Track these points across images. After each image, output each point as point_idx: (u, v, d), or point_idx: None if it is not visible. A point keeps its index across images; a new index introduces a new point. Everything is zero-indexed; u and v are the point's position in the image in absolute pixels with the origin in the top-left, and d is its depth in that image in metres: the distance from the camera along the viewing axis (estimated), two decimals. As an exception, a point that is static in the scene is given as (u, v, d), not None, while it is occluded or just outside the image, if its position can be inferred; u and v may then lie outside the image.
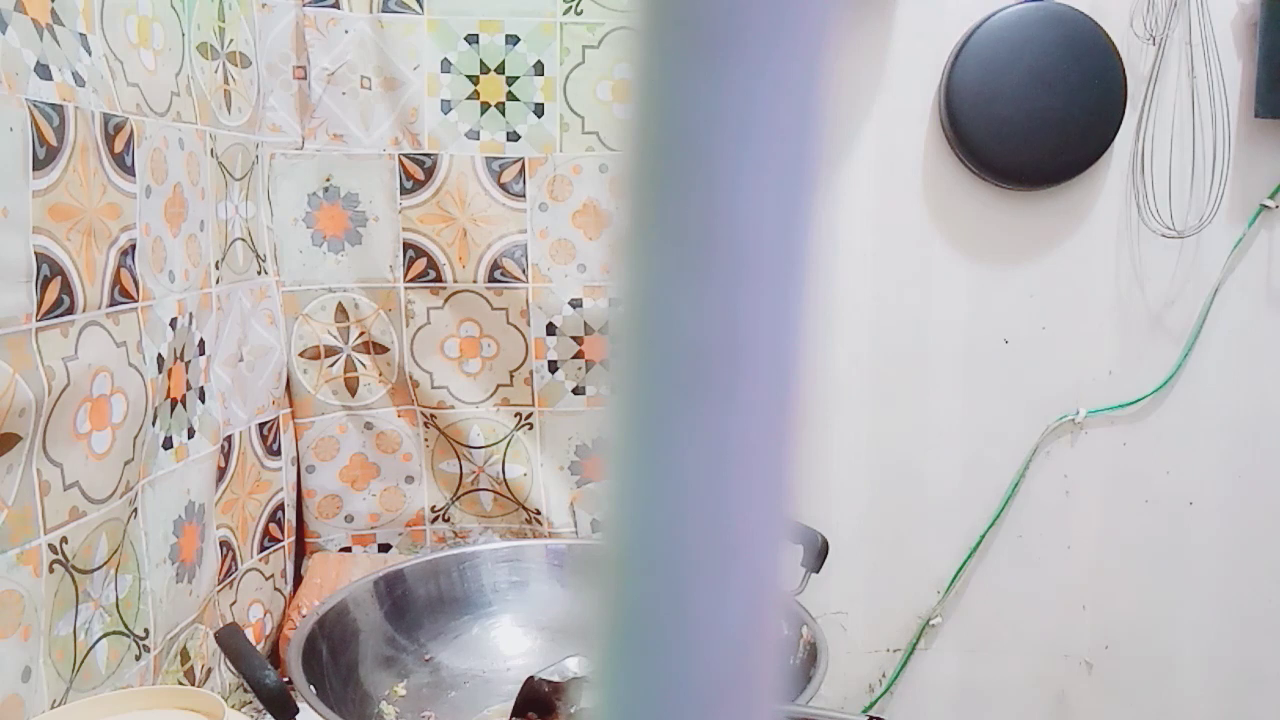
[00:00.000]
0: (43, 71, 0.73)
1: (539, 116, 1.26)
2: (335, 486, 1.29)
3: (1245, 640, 1.46)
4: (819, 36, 0.10)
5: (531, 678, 0.87)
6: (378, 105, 1.23)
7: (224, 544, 1.07)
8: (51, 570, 0.74)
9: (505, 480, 1.30)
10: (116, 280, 0.82)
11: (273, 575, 1.20)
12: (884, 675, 1.49)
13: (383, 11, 1.21)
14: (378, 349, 1.28)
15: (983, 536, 1.45)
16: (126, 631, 0.85)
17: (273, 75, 1.20)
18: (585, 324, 1.30)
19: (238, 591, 1.11)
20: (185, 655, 0.96)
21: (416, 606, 1.05)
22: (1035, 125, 1.33)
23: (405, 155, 1.24)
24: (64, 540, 0.75)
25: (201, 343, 1.00)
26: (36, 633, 0.73)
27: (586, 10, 1.25)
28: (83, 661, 0.78)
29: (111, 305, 0.81)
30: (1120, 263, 1.41)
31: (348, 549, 1.30)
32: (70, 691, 0.77)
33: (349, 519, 1.30)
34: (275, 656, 1.16)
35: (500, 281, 1.27)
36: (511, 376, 1.30)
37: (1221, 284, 1.40)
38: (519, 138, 1.26)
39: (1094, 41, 1.32)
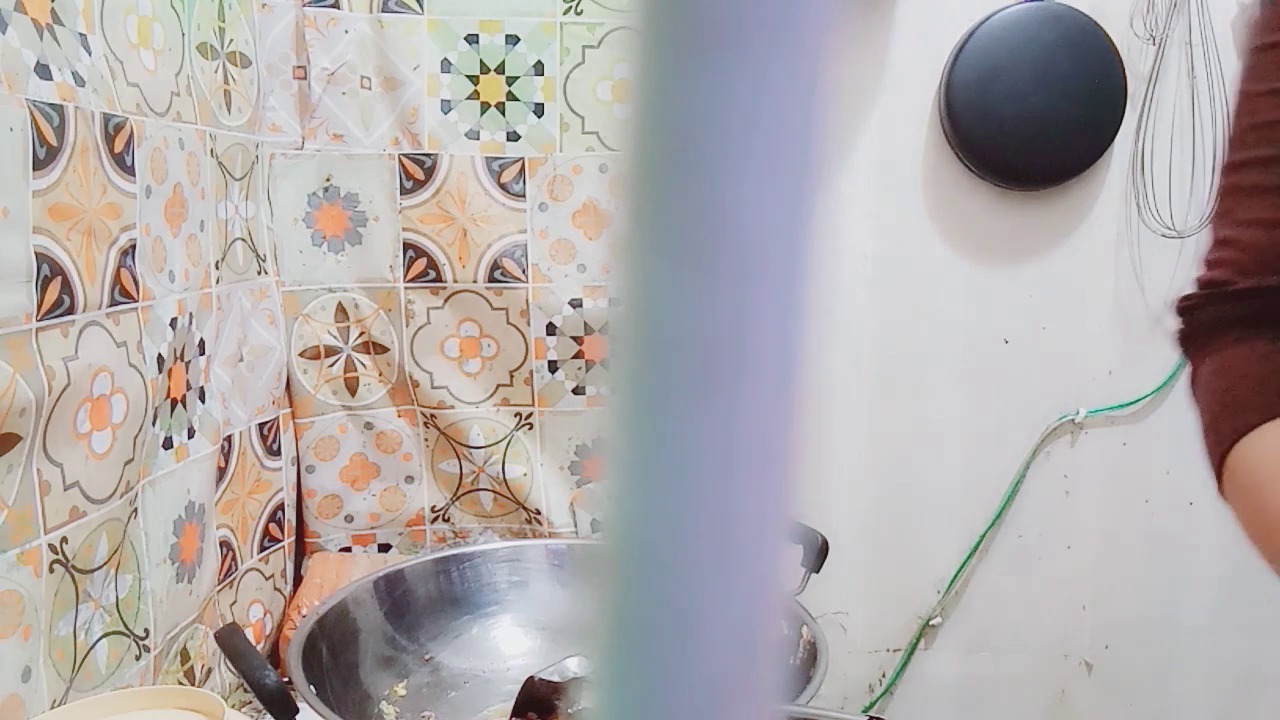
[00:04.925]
0: (43, 71, 0.73)
1: (539, 116, 1.26)
2: (335, 486, 1.29)
3: (1245, 640, 1.46)
4: (819, 36, 0.10)
5: (531, 678, 0.87)
6: (378, 105, 1.23)
7: (224, 544, 1.07)
8: (51, 570, 0.74)
9: (505, 480, 1.30)
10: (116, 280, 0.82)
11: (273, 575, 1.20)
12: (884, 675, 1.49)
13: (383, 11, 1.21)
14: (378, 349, 1.28)
15: (983, 536, 1.45)
16: (126, 631, 0.85)
17: (273, 75, 1.20)
18: (585, 324, 1.30)
19: (238, 591, 1.11)
20: (185, 655, 0.96)
21: (416, 606, 1.05)
22: (1035, 125, 1.33)
23: (405, 155, 1.24)
24: (64, 540, 0.75)
25: (201, 343, 1.00)
26: (36, 633, 0.73)
27: (586, 10, 1.25)
28: (83, 661, 0.78)
29: (111, 305, 0.81)
30: (1120, 263, 1.41)
31: (348, 549, 1.30)
32: (70, 691, 0.77)
33: (349, 519, 1.30)
34: (275, 656, 1.16)
35: (500, 281, 1.27)
36: (511, 376, 1.30)
37: (1221, 284, 1.40)
38: (519, 138, 1.26)
39: (1094, 41, 1.32)
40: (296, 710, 0.77)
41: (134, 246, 0.85)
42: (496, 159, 1.26)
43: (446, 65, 1.24)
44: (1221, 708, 1.48)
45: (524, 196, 1.27)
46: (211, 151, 1.03)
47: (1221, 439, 0.59)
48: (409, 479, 1.31)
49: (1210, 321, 0.61)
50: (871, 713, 1.45)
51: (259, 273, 1.17)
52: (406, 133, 1.24)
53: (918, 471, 1.44)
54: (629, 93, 0.11)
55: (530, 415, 1.31)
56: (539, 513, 1.30)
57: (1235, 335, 0.59)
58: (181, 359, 0.95)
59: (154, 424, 0.89)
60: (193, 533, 0.96)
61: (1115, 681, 1.48)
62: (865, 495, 1.44)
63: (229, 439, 1.08)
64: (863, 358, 1.41)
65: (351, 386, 1.28)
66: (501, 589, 1.10)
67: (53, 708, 0.74)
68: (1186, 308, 0.62)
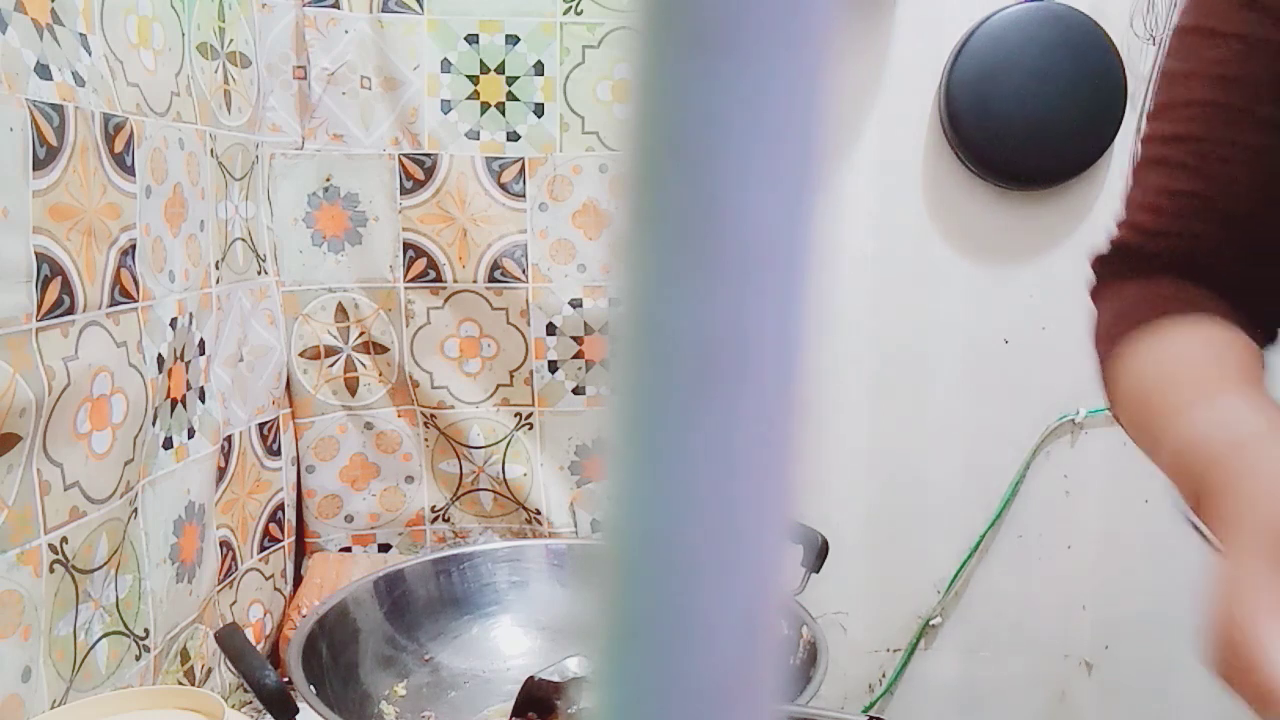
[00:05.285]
0: (43, 71, 0.73)
1: (539, 116, 1.26)
2: (335, 486, 1.29)
3: (1245, 640, 1.46)
4: (820, 35, 0.10)
5: (531, 678, 0.87)
6: (378, 105, 1.23)
7: (224, 544, 1.07)
8: (52, 570, 0.74)
9: (505, 480, 1.30)
10: (116, 280, 0.82)
11: (273, 575, 1.20)
12: (884, 675, 1.49)
13: (383, 11, 1.21)
14: (378, 349, 1.28)
15: (983, 536, 1.45)
16: (126, 631, 0.85)
17: (273, 75, 1.20)
18: (585, 324, 1.30)
19: (238, 591, 1.11)
20: (185, 655, 0.96)
21: (416, 606, 1.05)
22: (1035, 125, 1.33)
23: (405, 155, 1.24)
24: (64, 540, 0.75)
25: (201, 343, 1.00)
26: (36, 633, 0.73)
27: (586, 10, 1.25)
28: (83, 661, 0.78)
29: (112, 305, 0.81)
30: (1120, 263, 1.40)
31: (348, 549, 1.30)
32: (70, 691, 0.77)
33: (349, 519, 1.30)
34: (275, 656, 1.16)
35: (500, 281, 1.27)
36: (511, 376, 1.30)
37: (1221, 284, 1.40)
38: (519, 138, 1.26)
39: (1094, 41, 1.32)
40: (296, 710, 0.77)
41: (134, 246, 0.85)
42: (496, 159, 1.26)
43: (446, 65, 1.24)
44: (1221, 708, 1.48)
45: (524, 196, 1.27)
46: (211, 151, 1.03)
47: (1106, 358, 0.63)
48: (409, 479, 1.32)
49: (1112, 273, 0.66)
50: (871, 713, 1.45)
51: (259, 273, 1.17)
52: (406, 133, 1.24)
53: (918, 471, 1.44)
54: (629, 93, 0.11)
55: (530, 415, 1.31)
56: (539, 513, 1.30)
57: (1130, 280, 0.65)
58: (181, 359, 0.95)
59: (154, 424, 0.89)
60: (193, 533, 0.96)
61: (1115, 681, 1.48)
62: (865, 495, 1.44)
63: (229, 439, 1.08)
64: (863, 357, 1.41)
65: (351, 386, 1.28)
66: (501, 589, 1.10)
67: (53, 708, 0.74)
68: (1096, 264, 0.68)
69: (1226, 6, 0.60)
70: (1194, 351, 0.56)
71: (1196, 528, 0.48)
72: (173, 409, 0.94)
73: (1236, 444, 0.45)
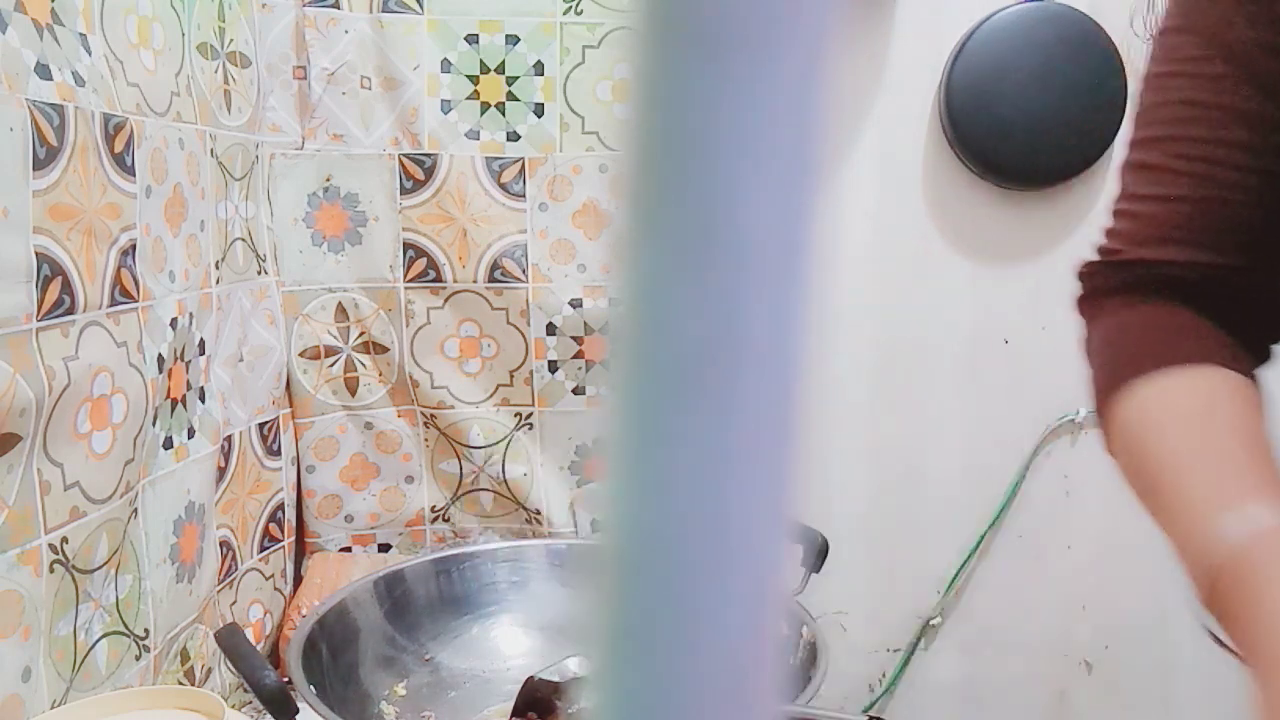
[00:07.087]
0: (43, 71, 0.73)
1: (539, 116, 1.26)
2: (335, 486, 1.29)
3: (1245, 640, 1.46)
4: (820, 35, 0.10)
5: (531, 678, 0.87)
6: (378, 105, 1.23)
7: (224, 544, 1.07)
8: (52, 570, 0.74)
9: (505, 480, 1.30)
10: (117, 280, 0.82)
11: (273, 575, 1.20)
12: (884, 675, 1.48)
13: (383, 11, 1.21)
14: (378, 349, 1.28)
15: (983, 536, 1.44)
16: (126, 631, 0.85)
17: (273, 75, 1.20)
18: (585, 324, 1.30)
19: (238, 591, 1.11)
20: (185, 655, 0.96)
21: (416, 606, 1.05)
22: (1035, 125, 1.33)
23: (405, 155, 1.24)
24: (64, 540, 0.75)
25: (201, 343, 1.00)
26: (36, 633, 0.73)
27: (586, 10, 1.25)
28: (83, 661, 0.78)
29: (112, 305, 0.81)
30: (1120, 263, 1.40)
31: (348, 549, 1.30)
32: (70, 691, 0.77)
33: (349, 519, 1.30)
34: (275, 656, 1.16)
35: (500, 281, 1.27)
36: (511, 376, 1.30)
37: (1221, 284, 1.40)
38: (519, 138, 1.26)
39: (1094, 41, 1.32)
40: (296, 710, 0.77)
41: (134, 246, 0.85)
42: (496, 159, 1.26)
43: (446, 65, 1.24)
44: (1221, 708, 1.48)
45: (524, 196, 1.27)
46: (211, 151, 1.03)
47: (1104, 395, 0.61)
48: (409, 479, 1.31)
49: (1101, 287, 0.64)
50: (871, 713, 1.45)
51: (259, 273, 1.17)
52: (406, 133, 1.24)
53: (918, 471, 1.44)
54: (629, 93, 0.11)
55: (530, 415, 1.31)
56: (539, 513, 1.30)
57: (1122, 299, 0.62)
58: (181, 359, 0.95)
59: (154, 424, 0.89)
60: (193, 533, 0.96)
61: (1115, 681, 1.48)
62: (865, 495, 1.44)
63: (229, 439, 1.08)
64: (863, 357, 1.41)
65: (351, 386, 1.28)
66: (501, 589, 1.10)
67: (53, 708, 0.74)
68: (1084, 274, 0.66)
69: (1209, 5, 0.58)
70: (1202, 425, 0.55)
71: (1214, 634, 0.48)
72: (173, 409, 0.94)
73: (1262, 562, 0.45)
